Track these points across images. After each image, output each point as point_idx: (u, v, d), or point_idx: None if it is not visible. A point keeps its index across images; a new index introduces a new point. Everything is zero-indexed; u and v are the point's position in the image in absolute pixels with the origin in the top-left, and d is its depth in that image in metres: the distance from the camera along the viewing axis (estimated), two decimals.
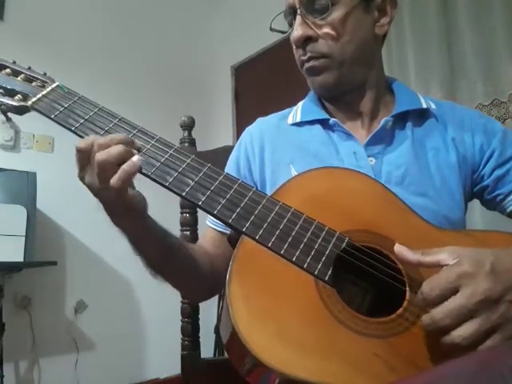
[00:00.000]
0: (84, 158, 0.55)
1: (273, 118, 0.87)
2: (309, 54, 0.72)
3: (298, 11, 0.71)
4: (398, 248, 0.52)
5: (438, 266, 0.48)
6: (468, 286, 0.44)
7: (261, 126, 0.86)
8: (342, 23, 0.69)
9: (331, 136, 0.77)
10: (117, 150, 0.53)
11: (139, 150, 0.57)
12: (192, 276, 0.73)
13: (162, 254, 0.66)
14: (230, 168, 0.85)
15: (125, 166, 0.53)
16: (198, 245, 0.82)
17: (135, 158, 0.54)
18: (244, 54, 2.83)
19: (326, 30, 0.70)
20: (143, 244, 0.63)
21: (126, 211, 0.57)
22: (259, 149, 0.81)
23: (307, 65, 0.74)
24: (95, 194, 0.56)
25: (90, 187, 0.56)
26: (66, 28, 2.39)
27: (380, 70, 0.79)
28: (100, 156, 0.52)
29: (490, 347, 0.43)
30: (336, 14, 0.69)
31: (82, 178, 0.56)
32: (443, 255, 0.48)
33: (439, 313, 0.45)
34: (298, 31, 0.71)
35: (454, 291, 0.45)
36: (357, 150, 0.74)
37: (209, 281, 0.75)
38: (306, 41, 0.72)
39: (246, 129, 0.88)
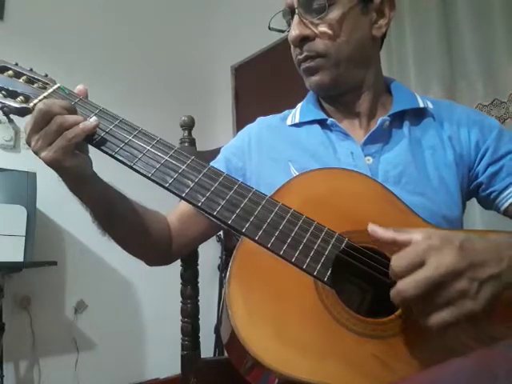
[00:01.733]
0: (39, 121, 0.56)
1: (273, 118, 0.88)
2: (305, 54, 0.73)
3: (296, 11, 0.72)
4: (372, 227, 0.53)
5: (410, 244, 0.49)
6: (434, 259, 0.45)
7: (261, 124, 0.87)
8: (339, 23, 0.70)
9: (329, 136, 0.77)
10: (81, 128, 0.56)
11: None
12: (141, 240, 0.74)
13: (104, 206, 0.66)
14: (220, 159, 0.85)
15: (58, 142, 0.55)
16: (158, 212, 0.82)
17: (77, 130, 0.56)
18: (244, 54, 2.83)
19: (323, 28, 0.70)
20: (90, 201, 0.65)
21: (68, 175, 0.59)
22: (256, 146, 0.82)
23: (304, 64, 0.74)
24: (44, 159, 0.57)
25: (37, 150, 0.57)
26: (66, 28, 2.39)
27: (378, 71, 0.80)
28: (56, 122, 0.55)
29: (490, 347, 0.44)
30: (333, 14, 0.70)
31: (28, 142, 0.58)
32: (416, 234, 0.49)
33: (405, 284, 0.46)
34: (295, 31, 0.72)
35: (421, 264, 0.46)
36: (354, 149, 0.74)
37: (160, 247, 0.77)
38: (303, 40, 0.72)
39: (247, 126, 0.89)
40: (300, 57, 0.74)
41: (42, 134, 0.56)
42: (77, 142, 0.56)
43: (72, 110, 0.59)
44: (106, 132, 0.60)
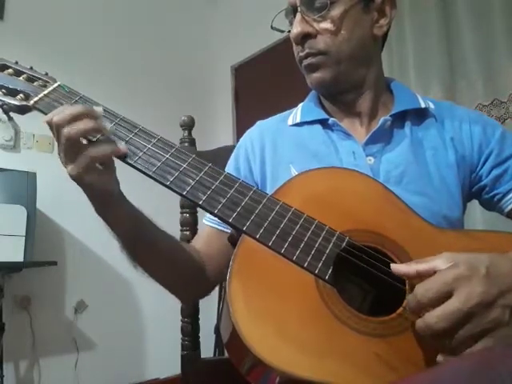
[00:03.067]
0: (54, 133, 0.54)
1: (272, 120, 0.88)
2: (307, 51, 0.73)
3: (299, 9, 0.72)
4: (394, 267, 0.52)
5: (434, 273, 0.48)
6: (463, 289, 0.44)
7: (261, 128, 0.87)
8: (340, 20, 0.70)
9: (331, 136, 0.77)
10: (83, 124, 0.53)
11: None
12: (176, 270, 0.71)
13: (138, 237, 0.64)
14: (229, 170, 0.84)
15: (86, 152, 0.53)
16: (188, 243, 0.80)
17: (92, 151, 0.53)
18: (244, 54, 2.83)
19: (324, 27, 0.71)
20: (116, 224, 0.62)
21: (94, 193, 0.58)
22: (259, 149, 0.82)
23: (305, 62, 0.74)
24: (69, 174, 0.55)
25: (63, 164, 0.55)
26: (66, 28, 2.39)
27: (379, 70, 0.80)
28: (65, 133, 0.52)
29: (489, 347, 0.44)
30: (335, 12, 0.71)
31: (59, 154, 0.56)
32: (438, 261, 0.48)
33: (434, 317, 0.44)
34: (296, 28, 0.72)
35: (449, 294, 0.45)
36: (355, 149, 0.74)
37: (196, 278, 0.74)
38: (305, 38, 0.72)
39: (246, 132, 0.89)
40: (301, 54, 0.74)
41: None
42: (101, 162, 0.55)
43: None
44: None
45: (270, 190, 0.75)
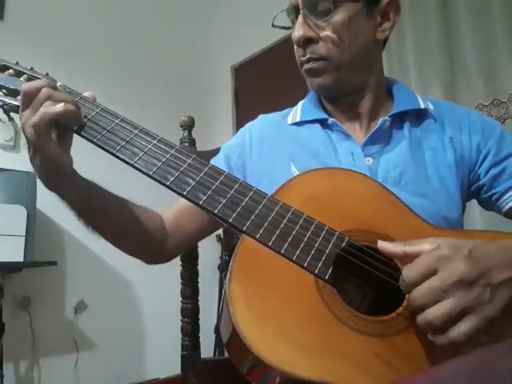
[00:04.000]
0: (27, 101, 0.57)
1: (275, 116, 0.88)
2: (308, 55, 0.72)
3: (301, 11, 0.71)
4: (381, 243, 0.54)
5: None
6: (445, 268, 0.46)
7: (262, 122, 0.87)
8: (343, 27, 0.69)
9: (330, 136, 0.77)
10: (63, 106, 0.56)
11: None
12: (131, 232, 0.73)
13: (87, 203, 0.67)
14: (220, 157, 0.85)
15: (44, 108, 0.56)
16: (150, 209, 0.81)
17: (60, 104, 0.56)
18: (244, 54, 2.83)
19: (327, 32, 0.70)
20: (66, 193, 0.65)
21: (44, 160, 0.59)
22: (258, 143, 0.82)
23: (306, 66, 0.74)
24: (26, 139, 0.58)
25: (23, 128, 0.58)
26: (66, 28, 2.39)
27: (380, 73, 0.80)
28: (44, 109, 0.56)
29: (490, 347, 0.44)
30: (338, 18, 0.69)
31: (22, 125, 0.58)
32: (426, 244, 0.50)
33: (415, 292, 0.47)
34: (299, 31, 0.71)
35: (432, 274, 0.46)
36: (354, 149, 0.74)
37: (154, 243, 0.76)
38: (307, 41, 0.72)
39: (248, 124, 0.89)
40: (303, 58, 0.74)
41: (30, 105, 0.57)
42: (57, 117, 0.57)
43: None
44: (108, 130, 0.60)
45: (268, 186, 0.75)
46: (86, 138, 0.59)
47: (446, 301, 0.45)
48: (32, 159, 0.60)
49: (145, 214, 0.75)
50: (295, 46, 0.75)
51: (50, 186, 0.63)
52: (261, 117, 0.89)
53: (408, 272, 0.48)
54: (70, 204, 0.66)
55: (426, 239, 0.51)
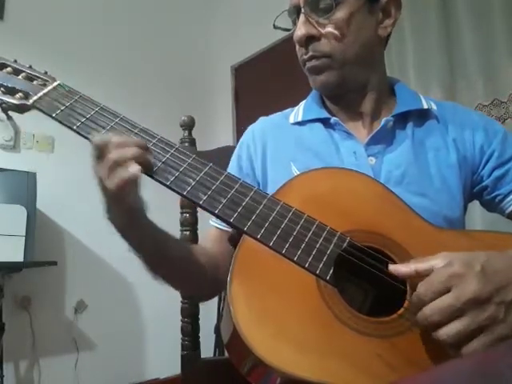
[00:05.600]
0: (98, 154, 0.55)
1: (275, 117, 0.88)
2: (311, 53, 0.72)
3: (302, 10, 0.71)
4: (393, 267, 0.53)
5: (432, 272, 0.49)
6: (458, 286, 0.45)
7: (263, 124, 0.87)
8: (345, 23, 0.69)
9: (332, 135, 0.77)
10: (131, 152, 0.54)
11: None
12: (192, 275, 0.73)
13: (157, 254, 0.66)
14: (232, 167, 0.85)
15: (121, 171, 0.54)
16: (198, 245, 0.82)
17: (135, 166, 0.54)
18: (244, 54, 2.83)
19: (329, 29, 0.69)
20: (135, 241, 0.64)
21: (120, 211, 0.58)
22: (261, 146, 0.82)
23: (309, 64, 0.74)
24: (99, 188, 0.57)
25: (98, 182, 0.56)
26: (66, 28, 2.39)
27: (382, 71, 0.79)
28: (113, 155, 0.53)
29: (490, 347, 0.44)
30: (340, 14, 0.69)
31: (95, 174, 0.57)
32: (436, 260, 0.49)
33: (428, 309, 0.46)
34: (300, 30, 0.71)
35: (446, 291, 0.46)
36: (357, 149, 0.74)
37: (210, 279, 0.75)
38: (309, 40, 0.71)
39: (249, 127, 0.88)
40: (305, 56, 0.73)
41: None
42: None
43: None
44: (107, 130, 0.59)
45: (270, 188, 0.76)
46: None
47: (459, 320, 0.44)
48: (109, 211, 0.59)
49: (199, 252, 0.75)
50: (297, 46, 0.75)
51: (125, 228, 0.61)
52: (261, 119, 0.89)
53: (423, 289, 0.47)
54: (138, 249, 0.65)
55: (437, 255, 0.50)
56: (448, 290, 0.46)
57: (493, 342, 0.44)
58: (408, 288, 0.53)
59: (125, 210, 0.58)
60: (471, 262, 0.47)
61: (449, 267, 0.47)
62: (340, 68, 0.72)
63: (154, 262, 0.67)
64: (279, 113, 0.88)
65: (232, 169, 0.84)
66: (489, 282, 0.46)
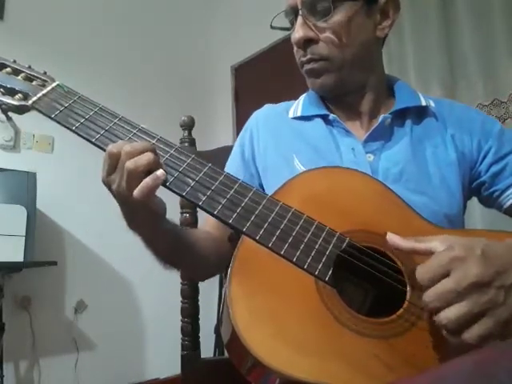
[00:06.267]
0: (113, 163, 0.55)
1: (280, 106, 0.88)
2: (309, 56, 0.72)
3: (300, 12, 0.71)
4: (390, 236, 0.53)
5: (430, 254, 0.48)
6: (458, 270, 0.45)
7: (268, 111, 0.87)
8: (343, 27, 0.69)
9: (332, 131, 0.77)
10: (146, 158, 0.54)
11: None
12: (198, 260, 0.74)
13: (172, 248, 0.67)
14: (235, 152, 0.86)
15: (148, 179, 0.53)
16: (200, 229, 0.83)
17: (159, 171, 0.54)
18: (244, 54, 2.83)
19: (327, 33, 0.69)
20: (156, 242, 0.65)
21: (146, 218, 0.59)
22: (264, 134, 0.82)
23: (307, 66, 0.74)
24: (119, 201, 0.57)
25: (116, 193, 0.56)
26: (66, 28, 2.39)
27: (380, 71, 0.79)
28: (129, 164, 0.53)
29: (490, 347, 0.43)
30: (338, 18, 0.69)
31: (105, 182, 0.57)
32: (435, 242, 0.49)
33: (428, 295, 0.45)
34: (298, 33, 0.71)
35: (445, 275, 0.45)
36: (355, 146, 0.74)
37: (213, 261, 0.77)
38: (307, 42, 0.71)
39: (254, 113, 0.89)
40: (303, 59, 0.73)
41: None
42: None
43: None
44: (106, 130, 0.59)
45: (271, 180, 0.76)
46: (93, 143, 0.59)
47: (459, 304, 0.44)
48: (132, 221, 0.60)
49: (203, 238, 0.76)
50: (295, 47, 0.75)
51: (134, 227, 0.61)
52: (266, 106, 0.89)
53: (421, 273, 0.47)
54: (158, 250, 0.66)
55: (437, 237, 0.50)
56: (447, 274, 0.45)
57: (494, 326, 0.44)
58: (408, 289, 0.53)
59: (150, 216, 0.59)
60: (472, 246, 0.47)
61: (450, 251, 0.46)
62: (338, 71, 0.72)
63: (167, 253, 0.69)
64: (283, 103, 0.88)
65: (235, 154, 0.85)
66: (490, 265, 0.45)
